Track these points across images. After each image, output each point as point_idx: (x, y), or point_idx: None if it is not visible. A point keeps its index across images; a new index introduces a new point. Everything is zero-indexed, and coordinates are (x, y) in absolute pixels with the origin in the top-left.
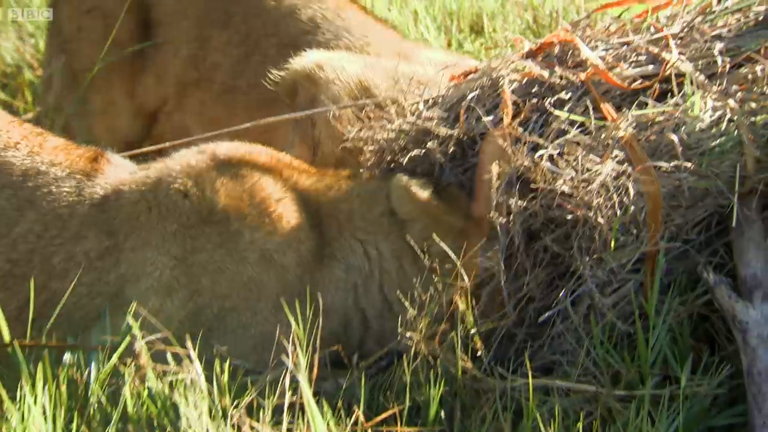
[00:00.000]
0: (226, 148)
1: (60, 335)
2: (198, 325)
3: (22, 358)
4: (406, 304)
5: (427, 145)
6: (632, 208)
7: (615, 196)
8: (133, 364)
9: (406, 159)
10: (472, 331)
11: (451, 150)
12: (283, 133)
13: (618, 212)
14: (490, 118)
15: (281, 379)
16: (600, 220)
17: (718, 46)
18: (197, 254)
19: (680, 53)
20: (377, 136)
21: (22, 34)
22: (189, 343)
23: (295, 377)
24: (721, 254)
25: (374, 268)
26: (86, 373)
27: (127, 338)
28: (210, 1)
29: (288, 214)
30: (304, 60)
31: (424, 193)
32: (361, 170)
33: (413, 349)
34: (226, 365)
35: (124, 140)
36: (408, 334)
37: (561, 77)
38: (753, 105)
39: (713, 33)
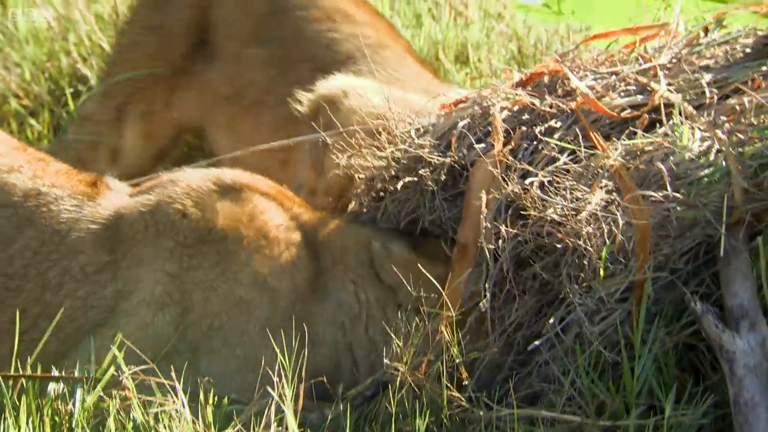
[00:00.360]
0: (230, 174)
1: (52, 348)
2: (185, 342)
3: (5, 390)
4: (392, 333)
5: (419, 173)
6: (621, 237)
7: (604, 225)
8: (117, 395)
9: (399, 186)
10: (458, 360)
11: (442, 178)
12: (300, 153)
13: (607, 241)
14: (482, 145)
15: (266, 410)
16: (589, 248)
17: (706, 77)
18: (192, 272)
19: (669, 84)
20: (368, 163)
21: (7, 64)
22: (174, 374)
23: (280, 408)
24: (708, 284)
25: (362, 309)
26: (70, 404)
27: (111, 369)
28: (257, 24)
29: (286, 240)
30: (330, 84)
31: (403, 254)
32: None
33: (399, 379)
34: (211, 395)
35: (158, 148)
36: (394, 365)
37: (551, 106)
38: (741, 136)
39: (701, 64)
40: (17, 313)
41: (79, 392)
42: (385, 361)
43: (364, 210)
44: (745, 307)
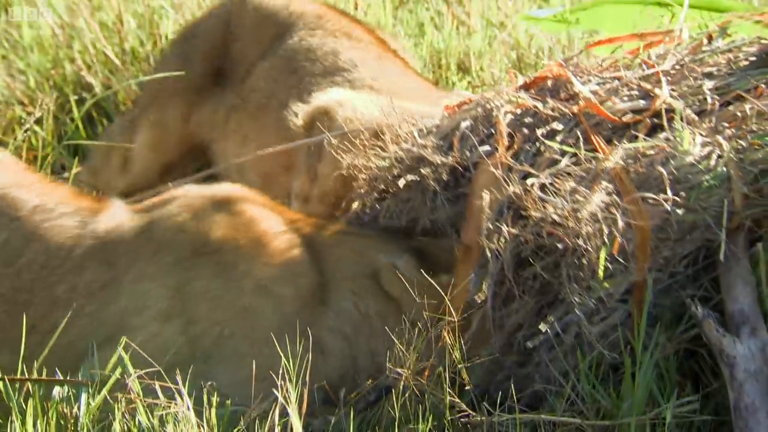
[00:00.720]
0: (226, 188)
1: (64, 366)
2: (197, 351)
3: (12, 394)
4: (394, 338)
5: (421, 172)
6: (620, 239)
7: (604, 226)
8: (123, 398)
9: (401, 185)
10: (460, 366)
11: (444, 178)
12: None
13: (607, 242)
14: (485, 148)
15: (270, 413)
16: (589, 248)
17: (709, 84)
18: (194, 283)
19: (671, 90)
20: (371, 164)
21: (12, 71)
22: (179, 377)
23: (284, 413)
24: (708, 288)
25: (363, 320)
26: (75, 407)
27: (117, 372)
28: (266, 47)
29: (286, 247)
30: (326, 96)
31: (410, 269)
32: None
33: (402, 383)
34: (214, 398)
35: (166, 158)
36: (396, 369)
37: (554, 109)
38: (741, 142)
39: (704, 71)
40: (24, 316)
41: (84, 395)
42: (388, 365)
43: (367, 210)
44: (745, 313)
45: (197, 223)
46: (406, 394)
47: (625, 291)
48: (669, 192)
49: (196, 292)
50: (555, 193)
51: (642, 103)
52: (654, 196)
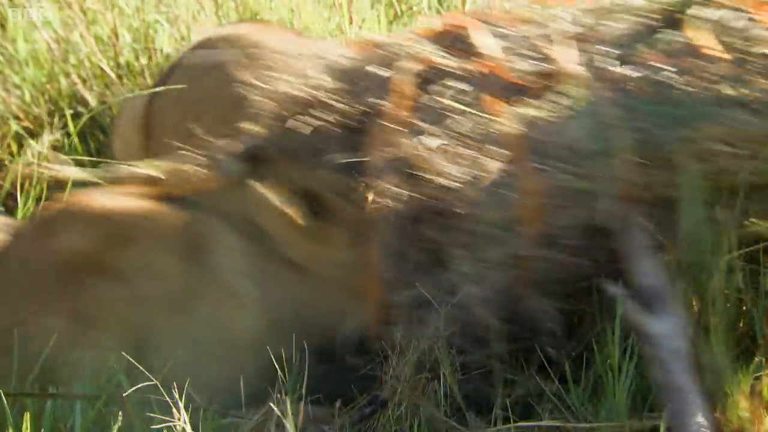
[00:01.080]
0: (79, 200)
1: None
2: (128, 355)
3: (8, 409)
4: (389, 349)
5: (319, 118)
6: (513, 205)
7: (497, 191)
8: (119, 413)
9: (302, 128)
10: (451, 381)
11: (344, 122)
12: None
13: (498, 208)
14: (385, 99)
15: (267, 427)
16: (481, 214)
17: (608, 49)
18: (83, 299)
19: (571, 53)
20: (270, 97)
21: (7, 86)
22: (176, 392)
23: (278, 424)
24: (606, 260)
25: (255, 264)
26: (70, 423)
27: (113, 382)
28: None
29: (152, 224)
30: None
31: (303, 220)
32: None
33: (397, 396)
34: (210, 412)
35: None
36: (392, 382)
37: (456, 66)
38: (635, 110)
39: (606, 37)
40: (15, 334)
41: (79, 409)
42: (384, 378)
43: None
44: (657, 289)
45: (62, 243)
46: (402, 407)
47: (515, 258)
48: (562, 160)
49: (91, 306)
50: (451, 155)
51: (542, 65)
52: (548, 164)
